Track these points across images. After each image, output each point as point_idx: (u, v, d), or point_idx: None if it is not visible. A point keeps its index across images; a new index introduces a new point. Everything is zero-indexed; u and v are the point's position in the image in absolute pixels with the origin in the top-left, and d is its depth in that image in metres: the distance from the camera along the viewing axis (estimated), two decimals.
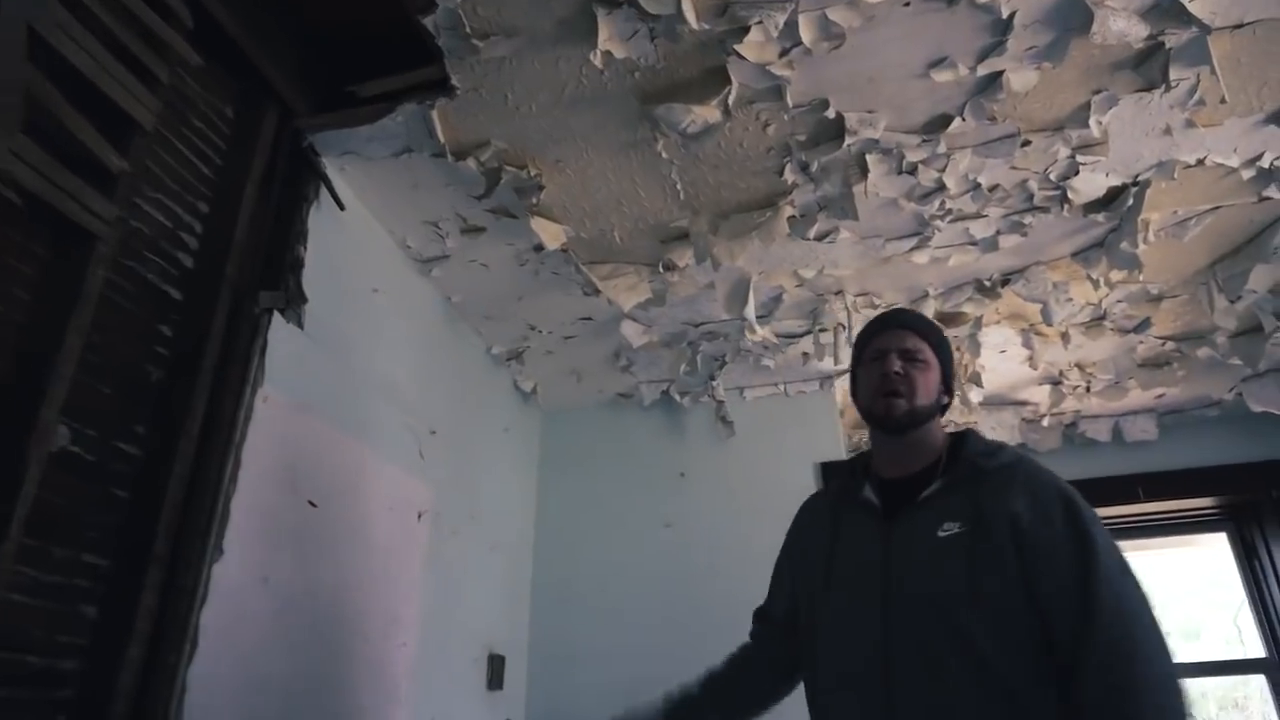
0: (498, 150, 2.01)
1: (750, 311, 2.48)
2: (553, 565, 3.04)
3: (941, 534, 1.44)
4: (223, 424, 1.66)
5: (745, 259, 2.30)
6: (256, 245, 1.84)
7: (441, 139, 1.96)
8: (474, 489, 2.70)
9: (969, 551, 1.40)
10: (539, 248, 2.32)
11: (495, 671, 2.60)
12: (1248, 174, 2.10)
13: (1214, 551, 3.66)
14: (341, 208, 2.05)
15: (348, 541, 1.97)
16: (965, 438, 1.57)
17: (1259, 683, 3.37)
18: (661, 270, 2.41)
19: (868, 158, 2.00)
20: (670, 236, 2.32)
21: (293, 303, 1.89)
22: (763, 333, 2.65)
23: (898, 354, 1.58)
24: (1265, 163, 2.06)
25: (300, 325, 1.90)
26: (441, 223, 2.28)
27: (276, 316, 1.84)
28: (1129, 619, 1.30)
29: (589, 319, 2.71)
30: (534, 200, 2.13)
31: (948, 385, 1.63)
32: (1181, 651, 4.08)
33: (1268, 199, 2.20)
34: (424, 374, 2.46)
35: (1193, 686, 4.05)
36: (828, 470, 2.91)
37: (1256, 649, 3.34)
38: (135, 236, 1.58)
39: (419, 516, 2.30)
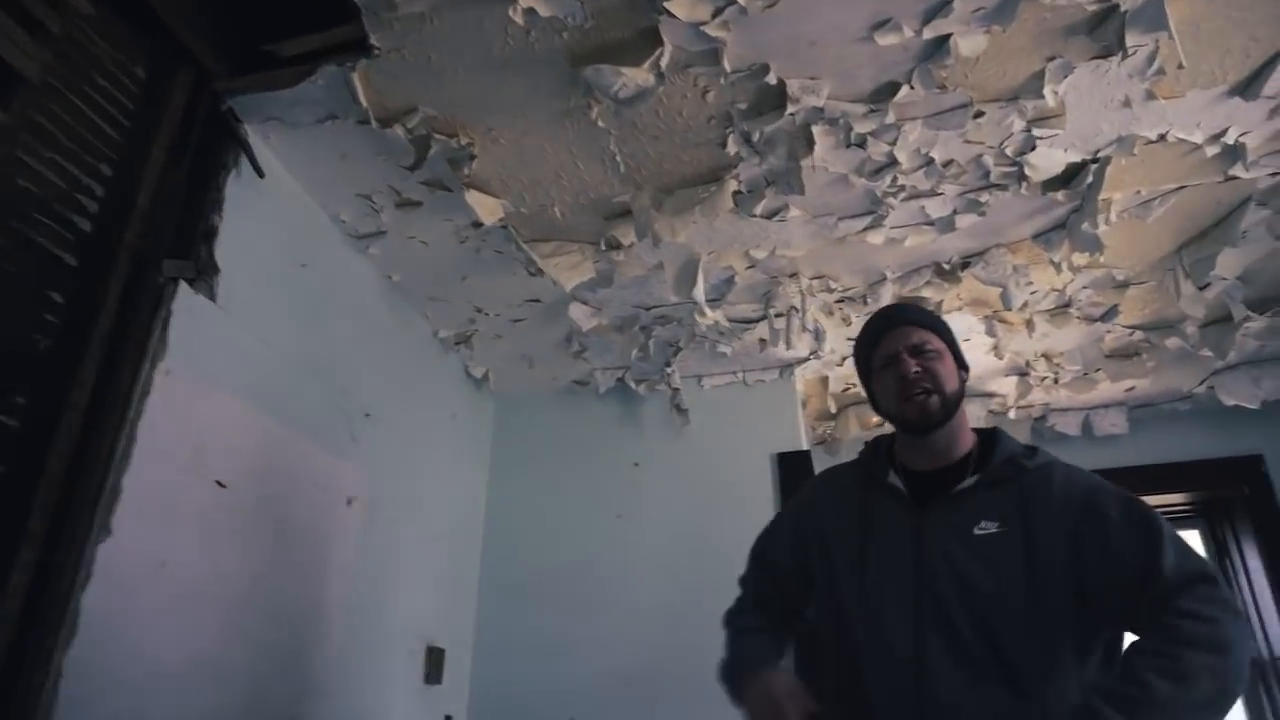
0: (426, 117, 1.92)
1: (699, 293, 2.39)
2: (502, 555, 2.95)
3: (978, 531, 1.43)
4: (116, 397, 1.56)
5: (689, 235, 2.21)
6: (164, 211, 1.74)
7: (365, 104, 1.86)
8: (416, 475, 2.60)
9: (1007, 552, 1.40)
10: (477, 224, 2.22)
11: (433, 665, 2.50)
12: (1212, 150, 2.01)
13: None
14: (260, 175, 1.95)
15: (262, 525, 1.87)
16: (997, 437, 1.55)
17: None
18: (605, 248, 2.31)
19: (813, 129, 1.91)
20: (613, 213, 2.23)
21: (203, 273, 1.79)
22: (713, 315, 2.56)
23: (908, 352, 1.53)
24: (1230, 139, 1.97)
25: (213, 298, 1.80)
26: (375, 196, 2.18)
27: (186, 288, 1.74)
28: (1202, 579, 1.29)
29: (536, 301, 2.62)
30: (467, 171, 2.03)
31: (961, 363, 1.59)
32: None
33: (1234, 178, 2.12)
34: (361, 355, 2.37)
35: None
36: (785, 461, 2.82)
37: None
38: (23, 196, 1.49)
39: (349, 502, 2.20)
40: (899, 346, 1.54)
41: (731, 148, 1.98)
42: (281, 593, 1.91)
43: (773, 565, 1.71)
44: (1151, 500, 3.37)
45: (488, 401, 3.20)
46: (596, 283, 2.44)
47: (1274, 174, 2.10)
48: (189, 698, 1.61)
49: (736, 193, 2.11)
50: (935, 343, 1.54)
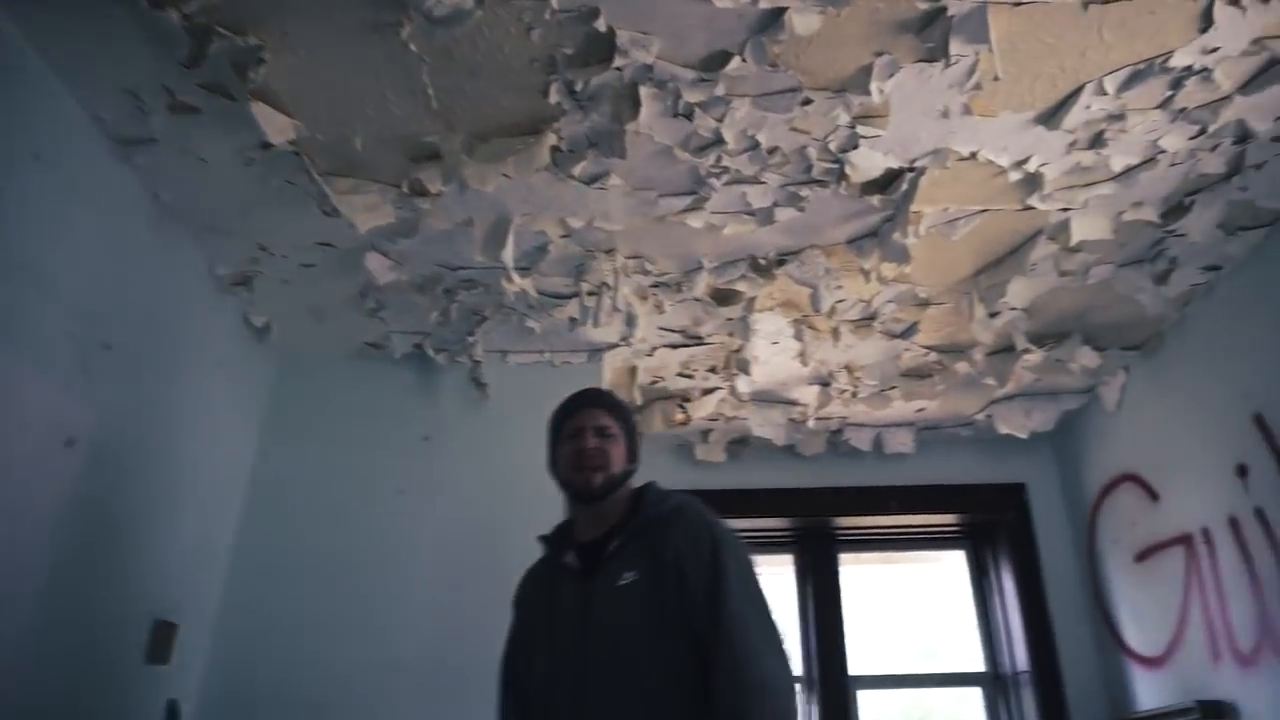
0: (207, 5, 1.66)
1: (509, 256, 2.24)
2: (262, 526, 2.65)
3: (621, 583, 1.63)
4: None
5: (501, 188, 2.06)
6: None
7: None
8: (166, 426, 2.29)
9: (640, 594, 1.60)
10: (266, 145, 1.97)
11: (160, 642, 2.18)
12: (1015, 176, 2.09)
13: (954, 568, 3.77)
14: None
15: None
16: (643, 492, 1.77)
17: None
18: (409, 193, 2.12)
19: (641, 90, 1.81)
20: (421, 154, 2.04)
21: None
22: (522, 283, 2.41)
23: (592, 431, 1.77)
24: (1032, 166, 2.05)
25: None
26: (143, 94, 1.88)
27: None
28: (747, 625, 1.55)
29: (330, 246, 2.37)
30: (254, 77, 1.79)
31: (633, 454, 1.83)
32: (919, 667, 4.17)
33: (1030, 208, 2.21)
34: (108, 277, 2.04)
35: (919, 700, 4.18)
36: None
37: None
38: None
39: (68, 443, 1.88)
40: (586, 423, 1.78)
41: (554, 97, 1.85)
42: None
43: (518, 680, 1.77)
44: (925, 520, 3.55)
45: (267, 355, 2.89)
46: (398, 231, 2.24)
47: (1064, 209, 2.22)
48: None
49: (555, 149, 1.98)
50: (615, 429, 1.79)
